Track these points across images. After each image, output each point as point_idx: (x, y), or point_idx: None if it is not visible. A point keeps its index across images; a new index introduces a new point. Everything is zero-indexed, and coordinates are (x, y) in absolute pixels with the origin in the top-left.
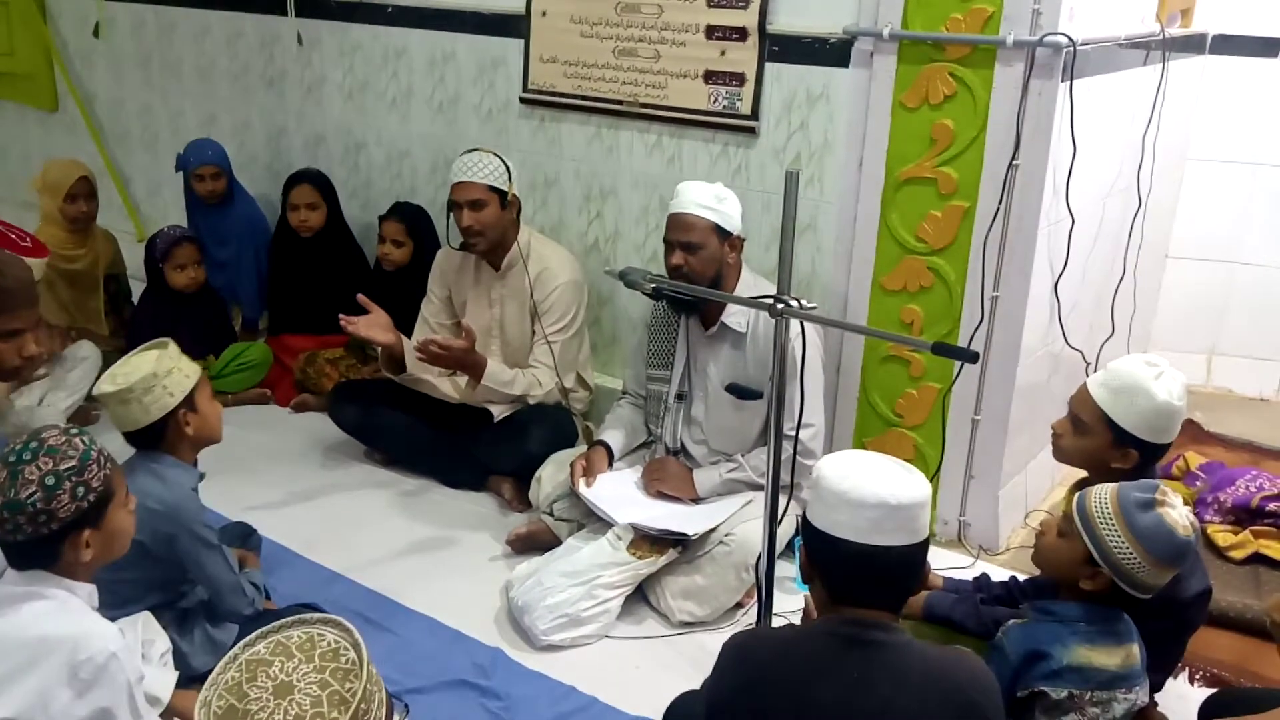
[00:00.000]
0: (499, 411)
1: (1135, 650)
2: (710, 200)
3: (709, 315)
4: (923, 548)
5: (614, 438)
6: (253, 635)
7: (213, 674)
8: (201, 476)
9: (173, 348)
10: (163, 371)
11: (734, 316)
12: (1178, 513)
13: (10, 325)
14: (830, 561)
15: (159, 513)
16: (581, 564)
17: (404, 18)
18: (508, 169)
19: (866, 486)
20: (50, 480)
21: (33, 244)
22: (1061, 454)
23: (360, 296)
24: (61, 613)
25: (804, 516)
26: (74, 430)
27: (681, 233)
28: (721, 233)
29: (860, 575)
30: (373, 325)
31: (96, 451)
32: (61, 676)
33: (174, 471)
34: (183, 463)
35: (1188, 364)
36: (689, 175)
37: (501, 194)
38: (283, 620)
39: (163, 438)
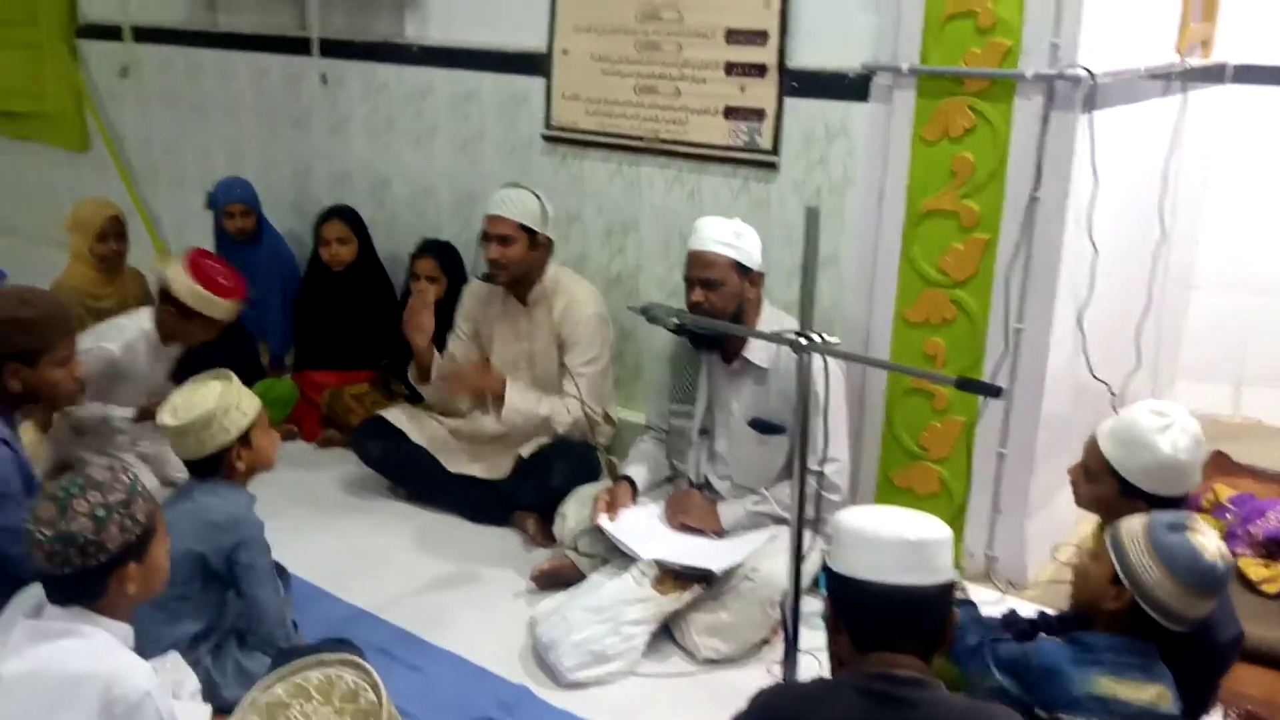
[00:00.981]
0: (526, 449)
1: (1167, 692)
2: (729, 237)
3: (731, 350)
4: (946, 590)
5: (638, 473)
6: (270, 676)
7: (232, 717)
8: (253, 498)
9: (235, 381)
10: (220, 411)
11: (756, 351)
12: (1207, 539)
13: (60, 353)
14: (853, 605)
15: (221, 524)
16: (606, 600)
17: (428, 57)
18: (544, 209)
19: (884, 526)
20: (100, 512)
21: (233, 284)
22: (1077, 500)
23: (423, 297)
24: (96, 651)
25: (826, 566)
26: (118, 466)
27: (701, 270)
28: (741, 269)
29: (883, 617)
30: (425, 328)
31: (141, 486)
32: (94, 714)
33: (229, 492)
34: (238, 486)
35: (1215, 394)
36: (710, 210)
37: (532, 233)
38: (300, 661)
39: (217, 469)
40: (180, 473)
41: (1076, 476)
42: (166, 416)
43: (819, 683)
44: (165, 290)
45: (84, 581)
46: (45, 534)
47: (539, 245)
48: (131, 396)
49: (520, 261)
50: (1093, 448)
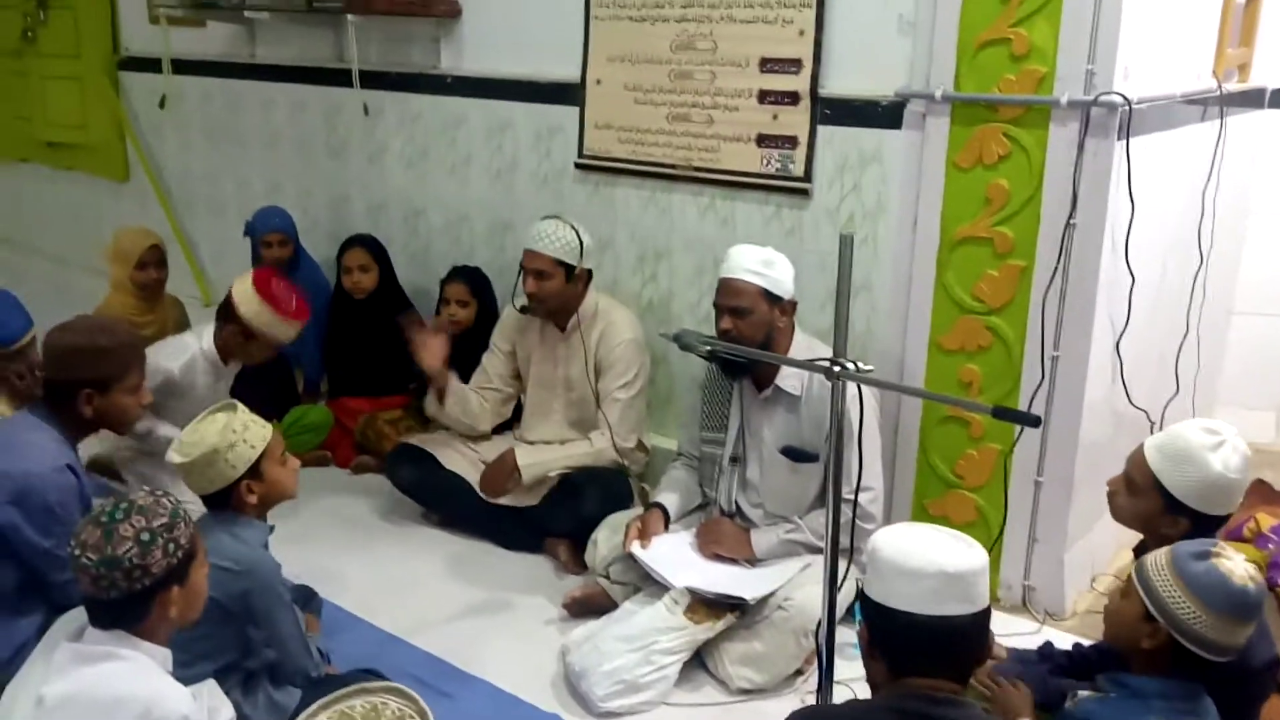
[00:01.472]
0: (555, 474)
1: None
2: (758, 265)
3: (763, 378)
4: (983, 617)
5: (670, 500)
6: (314, 705)
7: None
8: (271, 529)
9: (241, 414)
10: (224, 446)
11: (788, 379)
12: (1234, 563)
13: (132, 381)
14: (891, 635)
15: (235, 571)
16: (638, 629)
17: (463, 88)
18: (582, 243)
19: (923, 556)
20: (145, 537)
21: (298, 306)
22: (1115, 512)
23: (439, 320)
24: (136, 674)
25: (861, 590)
26: (159, 492)
27: (730, 298)
28: (771, 297)
29: (921, 647)
30: (433, 351)
31: (183, 511)
32: None
33: (246, 531)
34: (253, 520)
35: (1256, 421)
36: (742, 237)
37: (569, 268)
38: (345, 689)
39: (229, 502)
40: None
41: (1117, 488)
42: (173, 454)
43: (852, 704)
44: (229, 308)
45: (127, 605)
46: (91, 559)
47: (576, 279)
48: (186, 414)
49: (556, 295)
50: (1139, 461)
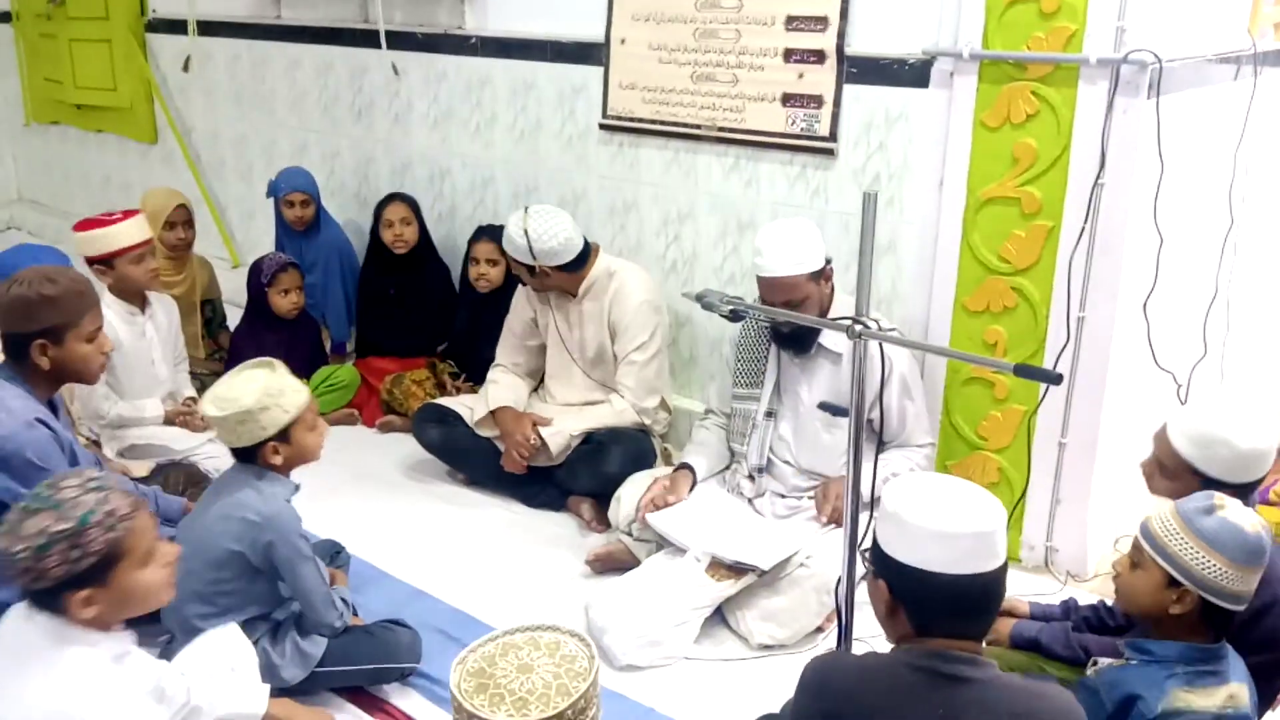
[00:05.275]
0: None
1: (1242, 691)
2: (796, 255)
3: (806, 337)
4: (1005, 568)
5: (698, 463)
6: (512, 628)
7: (473, 644)
8: (296, 488)
9: (279, 375)
10: (258, 409)
11: (830, 336)
12: (1240, 513)
13: (86, 328)
14: (923, 596)
15: (257, 524)
16: (660, 585)
17: (487, 48)
18: (530, 244)
19: (955, 517)
20: (41, 542)
21: (122, 213)
22: (1155, 493)
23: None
24: (58, 690)
25: (880, 551)
26: (92, 484)
27: (782, 294)
28: (815, 275)
29: (956, 605)
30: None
31: (102, 514)
32: None
33: (269, 485)
34: (279, 476)
35: None
36: (767, 197)
37: (528, 265)
38: (538, 624)
39: (255, 457)
40: None
41: (1151, 471)
42: (208, 405)
43: (873, 657)
44: (88, 262)
45: (38, 597)
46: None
47: (540, 273)
48: (132, 377)
49: (550, 284)
50: (1166, 447)
